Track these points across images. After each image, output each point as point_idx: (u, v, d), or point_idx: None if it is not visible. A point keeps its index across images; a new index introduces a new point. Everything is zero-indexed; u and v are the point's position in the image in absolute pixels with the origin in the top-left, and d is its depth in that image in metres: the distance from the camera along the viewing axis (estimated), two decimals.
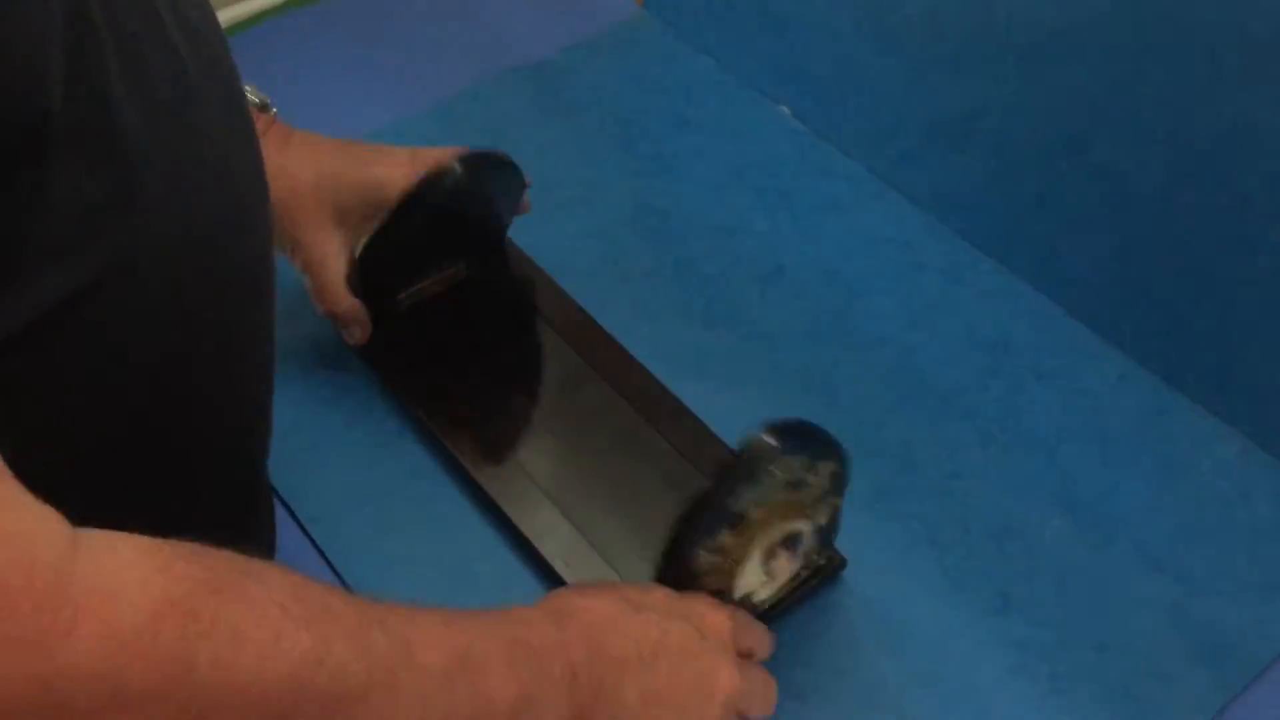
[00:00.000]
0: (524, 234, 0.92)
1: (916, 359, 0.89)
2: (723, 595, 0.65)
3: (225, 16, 1.08)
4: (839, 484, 0.67)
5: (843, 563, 0.74)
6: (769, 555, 0.66)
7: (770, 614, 0.70)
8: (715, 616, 0.62)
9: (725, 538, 0.62)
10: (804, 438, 0.63)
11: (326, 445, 0.83)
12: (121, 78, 0.45)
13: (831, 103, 1.03)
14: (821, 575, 0.73)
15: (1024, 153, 0.90)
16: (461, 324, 0.84)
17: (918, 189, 0.98)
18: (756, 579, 0.66)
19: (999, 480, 0.82)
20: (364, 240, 0.77)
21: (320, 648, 0.41)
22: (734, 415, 0.72)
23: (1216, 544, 0.79)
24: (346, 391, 0.86)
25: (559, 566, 0.71)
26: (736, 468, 0.61)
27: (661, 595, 0.62)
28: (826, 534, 0.70)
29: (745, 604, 0.67)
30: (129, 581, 0.36)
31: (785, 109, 1.07)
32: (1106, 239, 0.88)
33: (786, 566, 0.67)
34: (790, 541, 0.66)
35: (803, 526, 0.66)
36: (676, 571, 0.63)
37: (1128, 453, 0.83)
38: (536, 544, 0.72)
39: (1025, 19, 0.84)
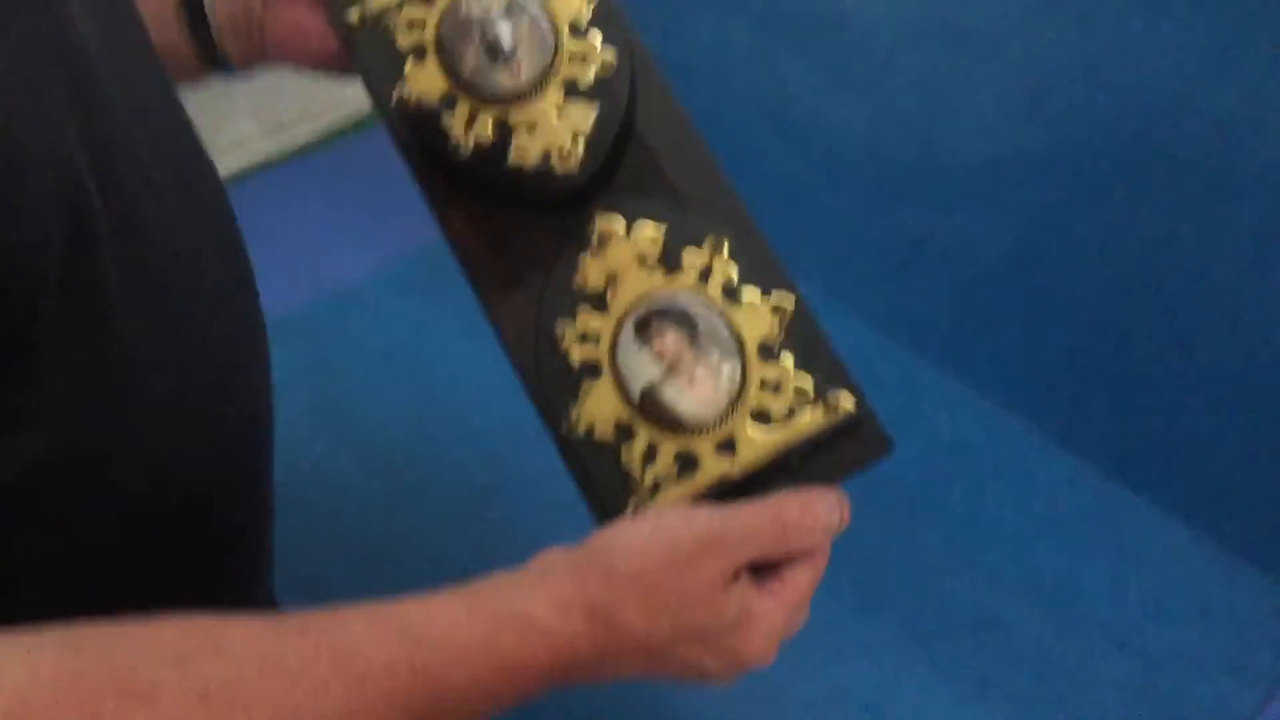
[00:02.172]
0: None
1: (882, 466, 0.95)
2: (630, 388, 0.55)
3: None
4: (759, 265, 0.58)
5: (852, 415, 0.57)
6: (648, 329, 0.56)
7: (764, 474, 0.56)
8: (760, 652, 0.53)
9: (587, 312, 0.57)
10: (654, 210, 0.58)
11: (330, 565, 0.86)
12: (115, 261, 0.46)
13: (783, 233, 1.11)
14: (834, 428, 0.57)
15: (969, 274, 0.98)
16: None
17: (873, 311, 1.06)
18: (649, 364, 0.56)
19: (970, 574, 0.87)
20: None
21: None
22: None
23: (1175, 624, 0.85)
24: (346, 509, 0.89)
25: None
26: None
27: (730, 615, 0.51)
28: (804, 345, 0.57)
29: (657, 408, 0.55)
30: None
31: None
32: (1049, 349, 0.95)
33: (689, 355, 0.55)
34: (674, 315, 0.56)
35: (683, 300, 0.56)
36: (546, 362, 0.57)
37: (1085, 544, 0.90)
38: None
39: (965, 154, 0.93)
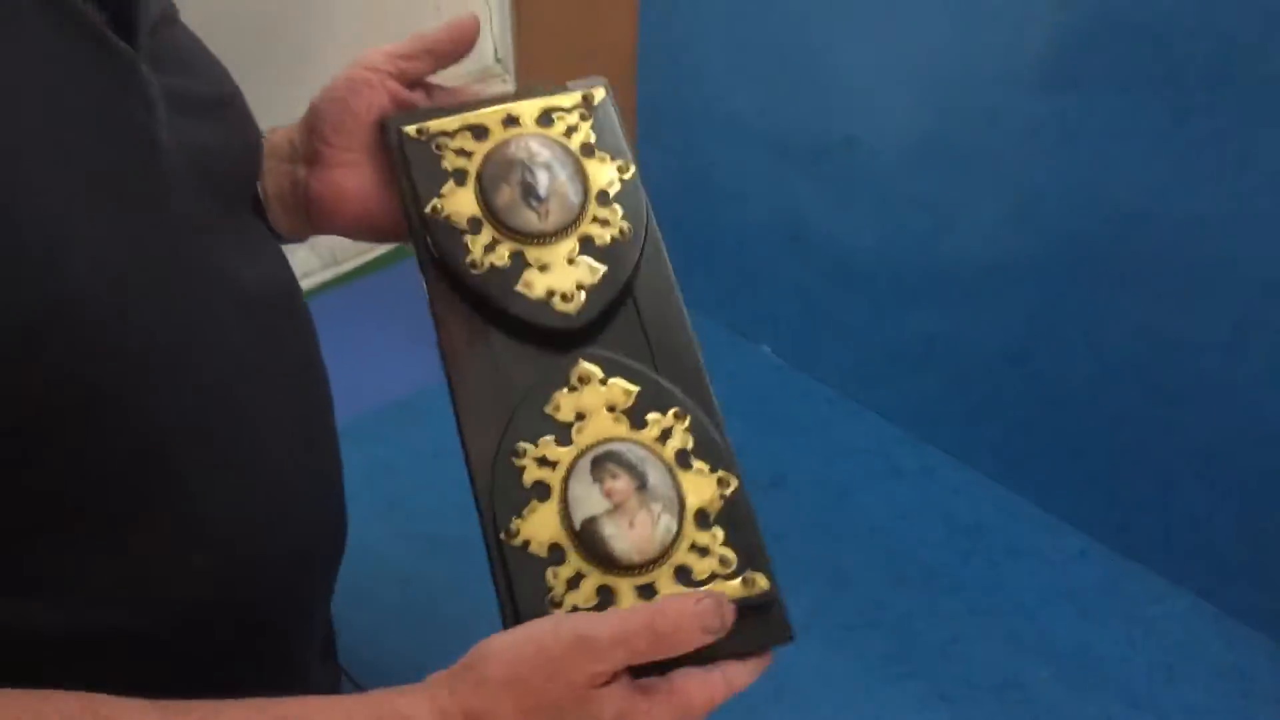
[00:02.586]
0: None
1: (905, 545, 1.03)
2: (570, 518, 0.60)
3: None
4: (708, 446, 0.62)
5: (765, 595, 0.60)
6: (601, 470, 0.61)
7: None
8: None
9: (548, 442, 0.61)
10: (633, 372, 0.63)
11: (394, 648, 0.93)
12: (191, 443, 0.52)
13: (805, 339, 1.22)
14: (745, 603, 0.59)
15: (974, 368, 1.08)
16: None
17: (886, 405, 1.15)
18: (596, 500, 0.60)
19: (990, 641, 0.95)
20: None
21: None
22: None
23: (1183, 684, 0.92)
24: (411, 595, 0.97)
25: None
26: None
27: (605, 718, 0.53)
28: (734, 524, 0.61)
29: (593, 540, 0.59)
30: None
31: (766, 348, 1.25)
32: (1052, 435, 1.04)
33: (634, 502, 0.60)
34: (626, 465, 0.61)
35: (639, 453, 0.61)
36: (503, 473, 0.61)
37: (1096, 612, 0.97)
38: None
39: (966, 261, 1.03)
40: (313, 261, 1.33)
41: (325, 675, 0.75)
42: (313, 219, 0.72)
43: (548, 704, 0.51)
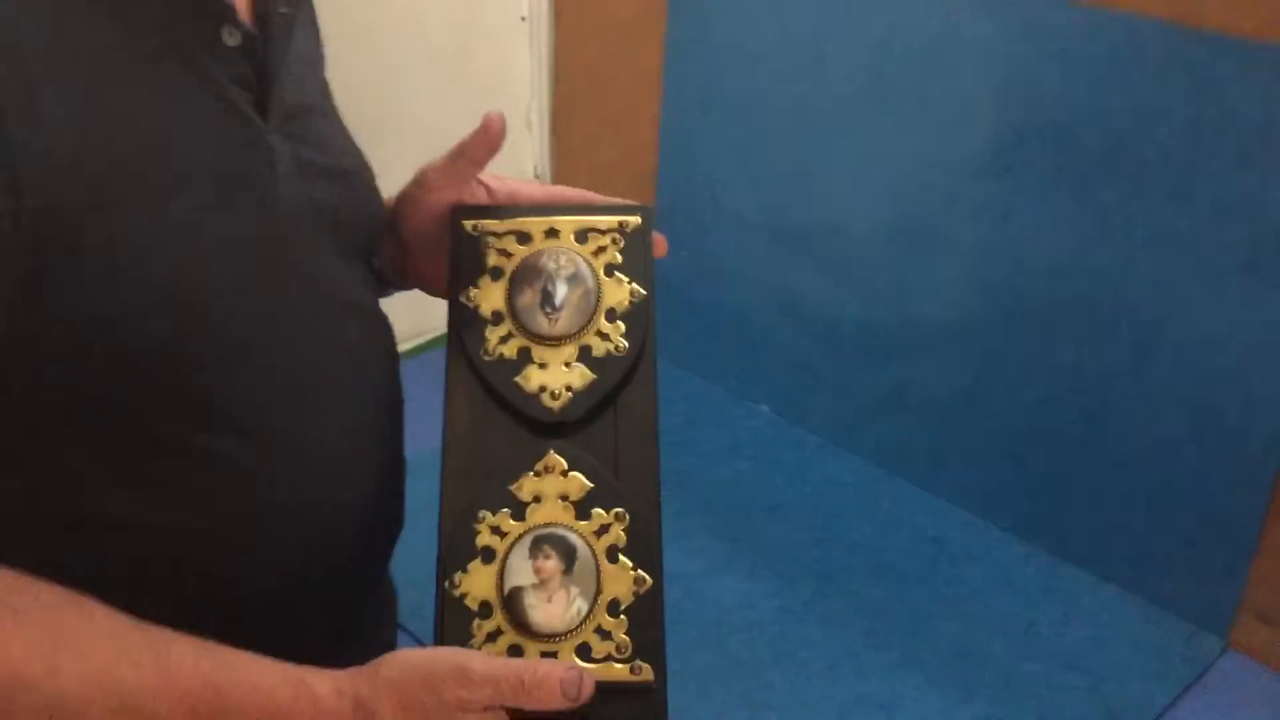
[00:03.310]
0: None
1: (881, 553, 1.25)
2: (502, 587, 0.67)
3: None
4: (638, 547, 0.69)
5: (647, 684, 0.68)
6: (537, 549, 0.69)
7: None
8: None
9: (504, 516, 0.69)
10: (592, 471, 0.70)
11: None
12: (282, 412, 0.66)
13: (796, 396, 1.45)
14: (622, 687, 0.67)
15: (935, 410, 1.30)
16: None
17: (866, 446, 1.37)
18: (526, 570, 0.69)
19: (953, 621, 1.15)
20: None
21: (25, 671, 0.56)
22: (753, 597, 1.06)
23: (1110, 649, 1.13)
24: None
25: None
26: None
27: None
28: (637, 619, 0.68)
29: (516, 606, 0.67)
30: None
31: (765, 407, 1.47)
32: (1000, 461, 1.26)
33: (557, 583, 0.68)
34: (560, 548, 0.70)
35: (575, 539, 0.70)
36: (461, 533, 0.69)
37: (1039, 600, 1.19)
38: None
39: (928, 320, 1.27)
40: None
41: (381, 635, 0.85)
42: (411, 279, 0.90)
43: (419, 710, 0.61)
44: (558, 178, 1.66)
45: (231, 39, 0.66)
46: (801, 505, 1.31)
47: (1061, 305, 1.16)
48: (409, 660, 0.62)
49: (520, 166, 1.68)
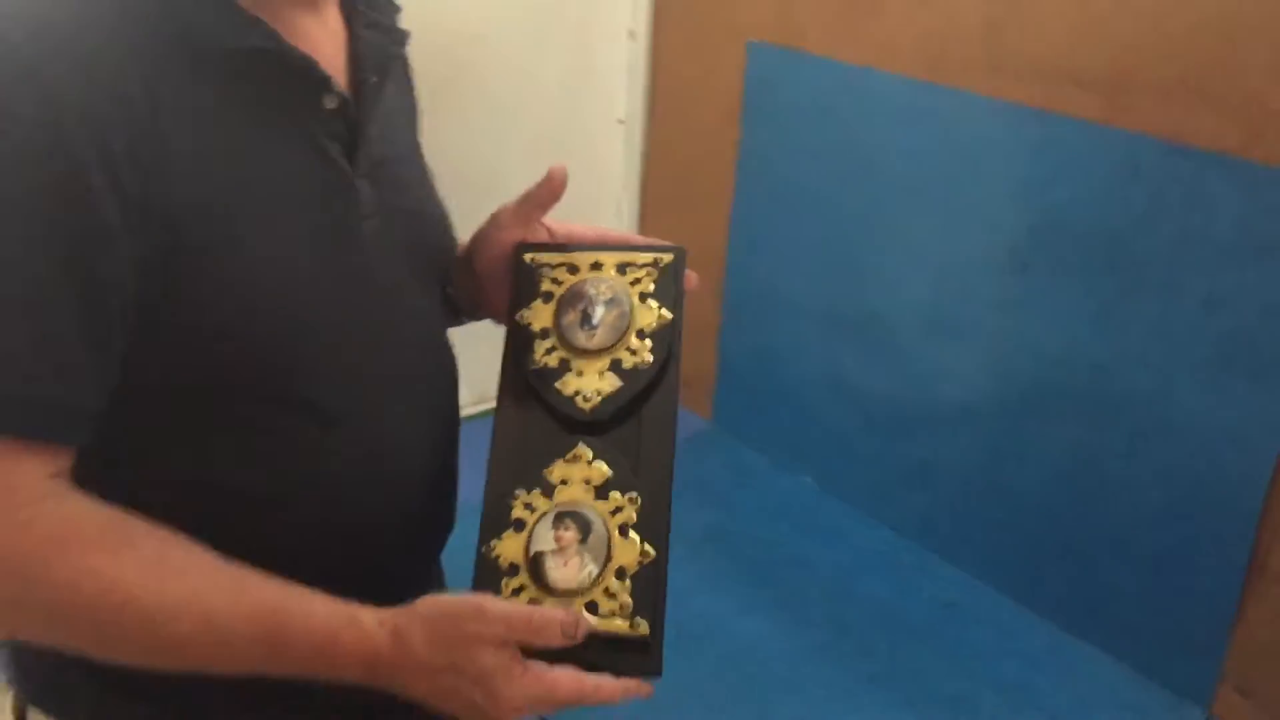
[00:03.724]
0: None
1: (899, 615, 1.35)
2: (529, 551, 0.79)
3: None
4: (648, 525, 0.80)
5: (643, 641, 0.78)
6: (560, 522, 0.81)
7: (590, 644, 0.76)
8: (507, 706, 0.74)
9: (536, 494, 0.82)
10: (614, 461, 0.83)
11: None
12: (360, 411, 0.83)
13: (836, 469, 1.57)
14: (621, 640, 0.78)
15: (955, 485, 1.42)
16: None
17: (892, 517, 1.49)
18: (548, 537, 0.80)
19: (954, 676, 1.25)
20: None
21: (130, 588, 0.72)
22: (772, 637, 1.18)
23: (1098, 713, 1.20)
24: None
25: None
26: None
27: (485, 665, 0.73)
28: (640, 585, 0.78)
29: (539, 572, 0.79)
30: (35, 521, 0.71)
31: (808, 478, 1.60)
32: (1010, 533, 1.37)
33: (573, 549, 0.80)
34: (579, 521, 0.81)
35: (593, 515, 0.81)
36: (499, 506, 0.82)
37: (1039, 661, 1.27)
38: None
39: (953, 402, 1.40)
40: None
41: None
42: (479, 307, 1.03)
43: (443, 641, 0.74)
44: None
45: (329, 103, 0.84)
46: (828, 564, 1.43)
47: (1065, 390, 1.28)
48: (439, 600, 0.75)
49: None
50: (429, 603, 0.75)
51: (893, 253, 1.44)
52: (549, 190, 0.98)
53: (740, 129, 1.59)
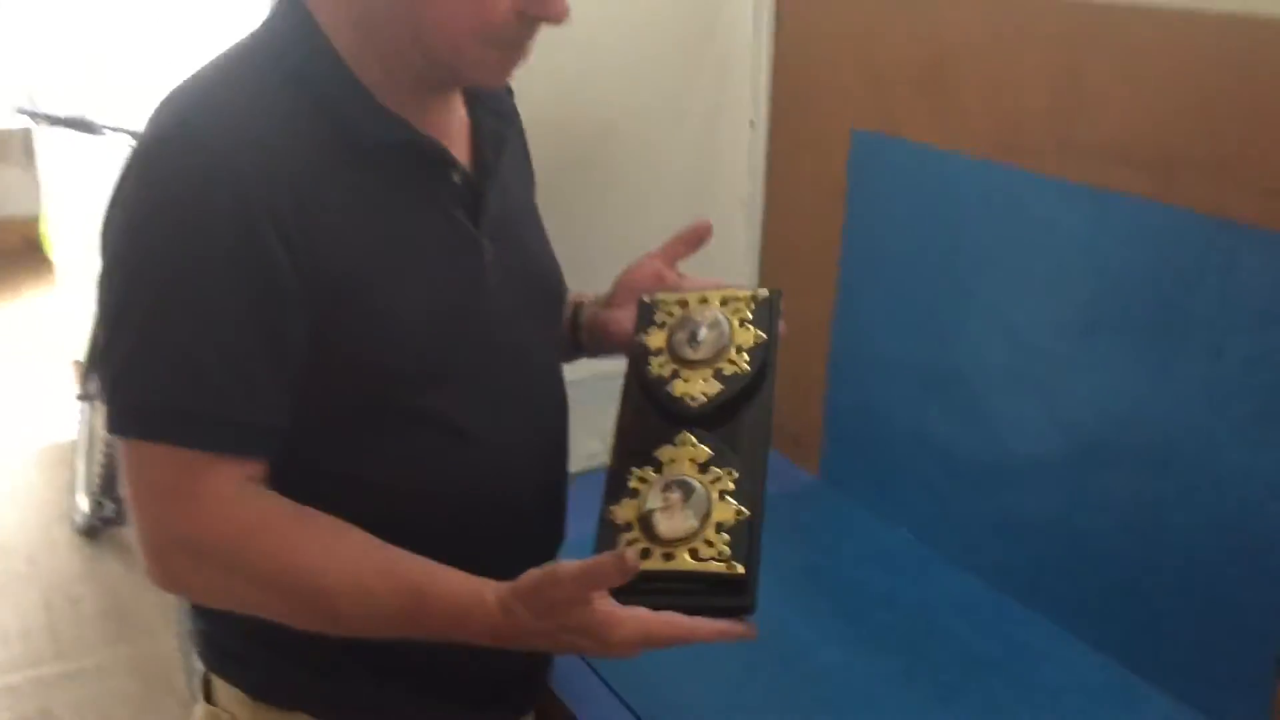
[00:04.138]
0: None
1: (974, 652, 1.46)
2: (642, 509, 0.96)
3: None
4: (743, 493, 0.96)
5: (740, 580, 0.92)
6: (667, 488, 0.96)
7: (667, 571, 0.93)
8: (622, 644, 0.89)
9: (649, 470, 1.00)
10: (715, 446, 1.00)
11: None
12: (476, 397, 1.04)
13: (927, 520, 1.69)
14: (716, 580, 0.92)
15: (1031, 534, 1.52)
16: None
17: (978, 565, 1.60)
18: (658, 498, 0.96)
19: (1008, 712, 1.36)
20: None
21: (307, 566, 0.92)
22: (851, 664, 1.31)
23: None
24: None
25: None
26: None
27: (582, 620, 0.88)
28: (736, 536, 0.93)
29: (649, 526, 0.94)
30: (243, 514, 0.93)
31: (904, 529, 1.73)
32: (1088, 577, 1.46)
33: (678, 507, 0.95)
34: (683, 487, 0.96)
35: (695, 482, 0.97)
36: (619, 479, 1.00)
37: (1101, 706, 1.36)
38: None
39: (1029, 455, 1.51)
40: (598, 445, 1.92)
41: None
42: (604, 339, 1.25)
43: (540, 609, 0.90)
44: None
45: (456, 178, 1.07)
46: (913, 605, 1.56)
47: (1126, 444, 1.38)
48: (525, 576, 0.91)
49: None
50: (522, 579, 0.91)
51: (975, 318, 1.58)
52: (694, 233, 1.21)
53: (845, 208, 1.76)
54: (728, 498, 0.95)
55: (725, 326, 1.07)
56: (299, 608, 0.95)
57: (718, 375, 1.04)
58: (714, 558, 0.92)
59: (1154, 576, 1.37)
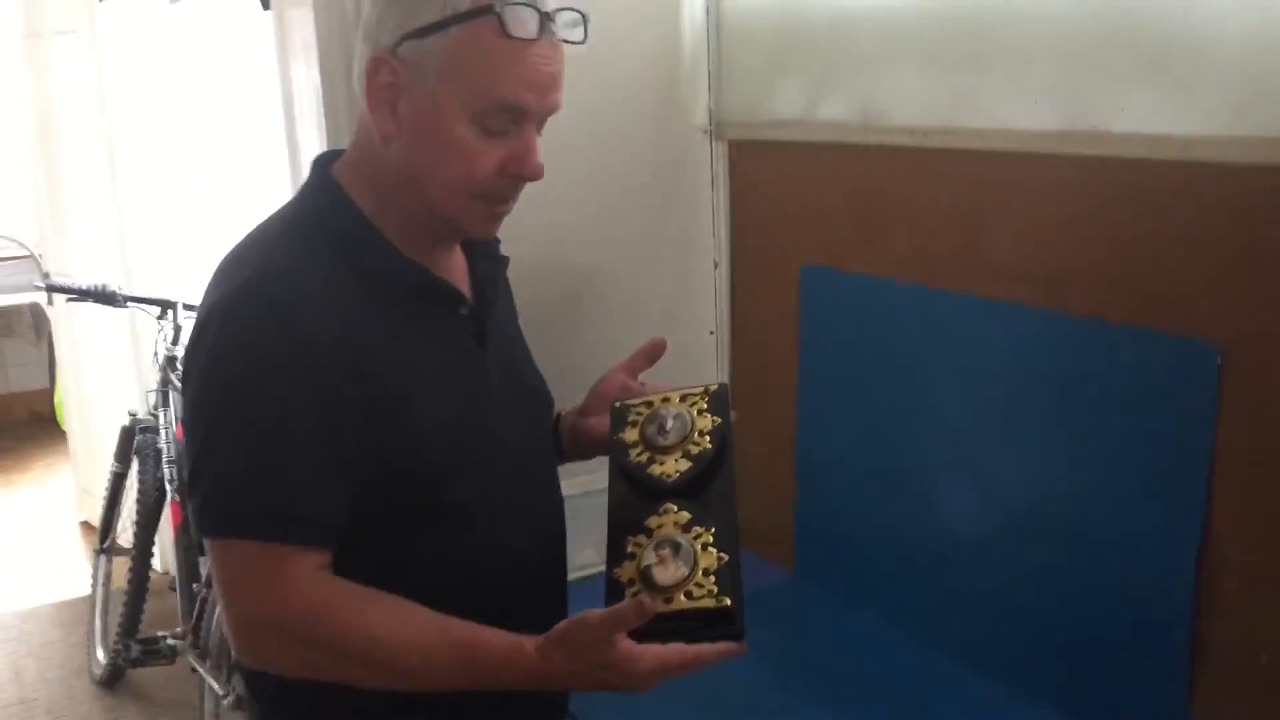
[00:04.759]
0: None
1: (938, 709, 1.65)
2: (640, 567, 1.13)
3: None
4: (721, 543, 1.14)
5: (729, 610, 1.09)
6: (658, 546, 1.14)
7: (667, 615, 1.09)
8: (642, 677, 1.06)
9: (641, 537, 1.16)
10: (692, 510, 1.17)
11: None
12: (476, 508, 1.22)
13: (891, 604, 1.89)
14: (709, 614, 1.09)
15: (979, 605, 1.73)
16: None
17: (937, 639, 1.80)
18: (652, 556, 1.12)
19: None
20: None
21: (376, 636, 1.09)
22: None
23: None
24: None
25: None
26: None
27: (610, 658, 1.05)
28: (721, 576, 1.11)
29: (648, 579, 1.11)
30: (317, 597, 1.10)
31: (872, 613, 1.93)
32: (1029, 636, 1.66)
33: (670, 560, 1.12)
34: (672, 544, 1.13)
35: (681, 539, 1.14)
36: (618, 547, 1.16)
37: None
38: None
39: (965, 537, 1.73)
40: (595, 557, 2.12)
41: None
42: (583, 441, 1.45)
43: (574, 652, 1.07)
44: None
45: (464, 310, 1.29)
46: (875, 675, 1.75)
47: (1048, 518, 1.61)
48: (559, 626, 1.09)
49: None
50: (556, 629, 1.09)
51: (918, 420, 1.82)
52: (652, 349, 1.46)
53: (799, 333, 2.02)
54: (709, 548, 1.13)
55: (687, 417, 1.27)
56: (371, 670, 1.12)
57: (687, 455, 1.23)
58: (705, 596, 1.09)
59: (1080, 633, 1.58)
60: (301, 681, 1.14)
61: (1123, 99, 1.44)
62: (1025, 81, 1.56)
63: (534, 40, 1.13)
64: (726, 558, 1.12)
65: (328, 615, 1.11)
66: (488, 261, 1.35)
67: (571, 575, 1.39)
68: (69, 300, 3.30)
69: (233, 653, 1.15)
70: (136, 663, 2.93)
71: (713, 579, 1.10)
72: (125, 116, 3.63)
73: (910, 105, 1.74)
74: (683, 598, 1.09)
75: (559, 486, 1.39)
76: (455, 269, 1.31)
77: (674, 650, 1.07)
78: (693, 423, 1.26)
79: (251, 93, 3.07)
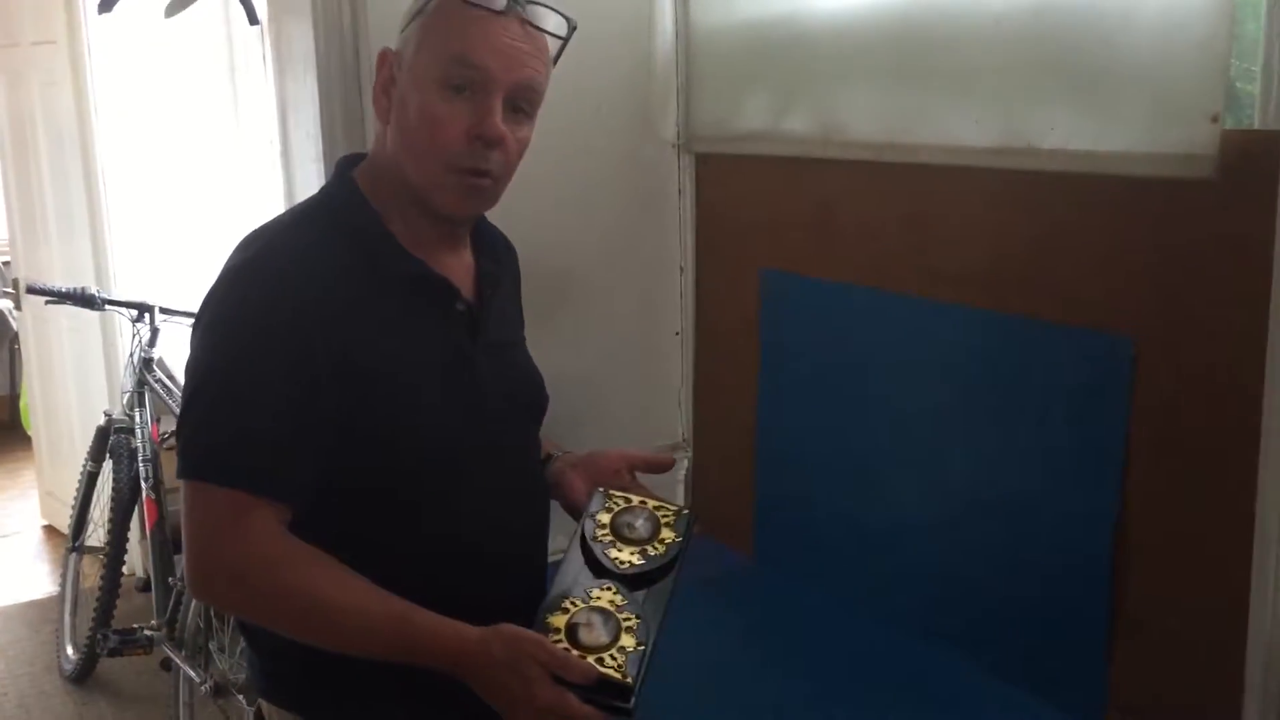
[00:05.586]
0: None
1: (876, 670, 1.80)
2: (570, 622, 1.22)
3: None
4: (642, 634, 1.22)
5: (629, 688, 1.17)
6: (591, 611, 1.24)
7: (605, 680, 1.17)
8: (539, 699, 1.13)
9: (578, 600, 1.25)
10: (626, 595, 1.26)
11: None
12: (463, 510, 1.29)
13: (844, 585, 2.04)
14: (612, 685, 1.17)
15: (926, 581, 1.88)
16: None
17: (886, 612, 1.95)
18: (584, 617, 1.23)
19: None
20: None
21: (321, 594, 1.16)
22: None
23: None
24: None
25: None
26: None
27: (532, 690, 1.13)
28: (632, 660, 1.20)
29: (573, 635, 1.20)
30: (272, 549, 1.17)
31: (825, 592, 2.08)
32: (963, 605, 1.82)
33: (597, 626, 1.22)
34: (603, 614, 1.23)
35: (613, 613, 1.24)
36: (555, 600, 1.25)
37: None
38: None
39: (920, 522, 1.88)
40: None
41: None
42: (562, 495, 1.50)
43: (511, 649, 1.13)
44: (696, 436, 2.41)
45: (459, 307, 1.38)
46: (828, 645, 1.90)
47: (984, 499, 1.77)
48: (523, 630, 1.17)
49: (671, 428, 2.43)
50: (513, 629, 1.17)
51: (870, 413, 1.97)
52: (659, 463, 1.55)
53: (759, 333, 2.18)
54: (632, 633, 1.25)
55: (654, 524, 1.41)
56: (306, 623, 1.19)
57: (642, 554, 1.36)
58: (614, 669, 1.20)
59: (1013, 604, 1.74)
60: (310, 657, 1.22)
61: (1052, 119, 1.60)
62: (967, 102, 1.72)
63: (500, 13, 1.22)
64: (644, 649, 1.23)
65: (280, 567, 1.18)
66: (492, 264, 1.43)
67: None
68: (48, 302, 3.36)
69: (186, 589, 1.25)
70: (114, 652, 2.99)
71: (624, 658, 1.21)
72: (105, 127, 3.71)
73: (865, 122, 1.90)
74: (596, 660, 1.21)
75: (544, 483, 1.47)
76: (459, 268, 1.38)
77: (575, 701, 1.16)
78: (657, 530, 1.40)
79: (233, 104, 3.17)
